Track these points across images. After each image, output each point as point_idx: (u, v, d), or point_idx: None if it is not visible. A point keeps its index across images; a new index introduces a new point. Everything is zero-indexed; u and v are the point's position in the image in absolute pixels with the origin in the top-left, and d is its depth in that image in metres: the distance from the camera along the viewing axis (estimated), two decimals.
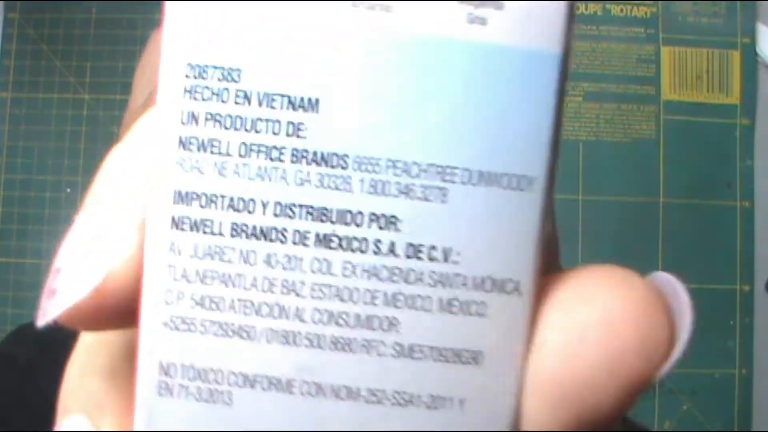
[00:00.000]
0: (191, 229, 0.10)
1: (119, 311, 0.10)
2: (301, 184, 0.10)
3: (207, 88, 0.10)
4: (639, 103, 0.52)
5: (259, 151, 0.10)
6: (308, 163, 0.09)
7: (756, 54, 0.52)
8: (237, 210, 0.10)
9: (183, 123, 0.10)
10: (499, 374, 0.10)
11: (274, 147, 0.10)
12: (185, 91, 0.10)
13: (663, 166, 0.51)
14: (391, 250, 0.10)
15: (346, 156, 0.09)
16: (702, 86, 0.52)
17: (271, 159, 0.10)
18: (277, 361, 0.10)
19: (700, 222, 0.51)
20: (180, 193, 0.10)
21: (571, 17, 0.10)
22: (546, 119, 0.10)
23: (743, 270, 0.51)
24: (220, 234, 0.10)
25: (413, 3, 0.09)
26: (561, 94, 0.10)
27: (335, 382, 0.10)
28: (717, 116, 0.51)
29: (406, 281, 0.10)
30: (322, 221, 0.10)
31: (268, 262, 0.10)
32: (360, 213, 0.10)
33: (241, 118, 0.10)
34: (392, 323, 0.10)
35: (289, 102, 0.09)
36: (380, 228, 0.10)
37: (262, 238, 0.10)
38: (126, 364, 0.11)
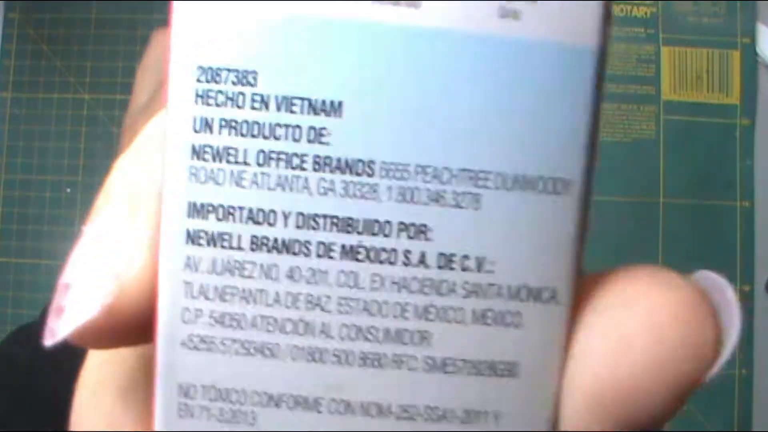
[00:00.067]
0: (208, 243, 0.09)
1: (132, 329, 0.10)
2: (325, 193, 0.09)
3: (220, 92, 0.09)
4: (639, 103, 0.52)
5: (278, 159, 0.09)
6: (332, 171, 0.09)
7: (756, 54, 0.52)
8: (257, 222, 0.09)
9: (196, 131, 0.09)
10: (535, 386, 0.09)
11: (295, 154, 0.09)
12: (197, 96, 0.09)
13: (663, 166, 0.51)
14: (422, 261, 0.09)
15: (372, 162, 0.09)
16: (702, 86, 0.51)
17: (292, 167, 0.09)
18: (303, 379, 0.09)
19: (700, 222, 0.51)
20: (195, 205, 0.09)
21: (609, 10, 0.09)
22: (583, 118, 0.09)
23: (743, 270, 0.51)
24: (240, 248, 0.09)
25: None
26: (598, 91, 0.09)
27: (365, 399, 0.09)
28: (717, 116, 0.51)
29: (438, 293, 0.09)
30: (347, 232, 0.09)
31: (291, 277, 0.09)
32: (388, 222, 0.09)
33: (258, 125, 0.09)
34: (424, 337, 0.09)
35: (310, 106, 0.09)
36: (410, 238, 0.09)
37: (285, 252, 0.09)
38: (141, 380, 0.11)
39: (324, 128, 0.09)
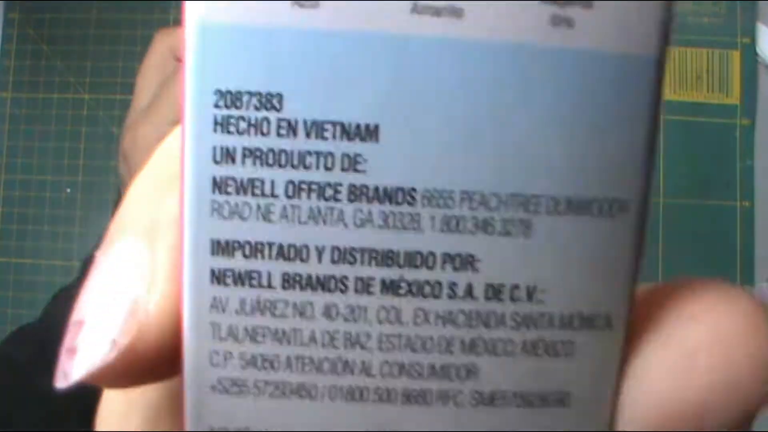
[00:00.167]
0: (235, 282, 0.09)
1: (153, 369, 0.09)
2: (362, 225, 0.08)
3: (242, 118, 0.08)
4: None
5: (310, 190, 0.08)
6: (369, 201, 0.08)
7: (756, 54, 0.52)
8: (288, 259, 0.08)
9: (216, 161, 0.08)
10: (588, 413, 0.09)
11: (328, 184, 0.08)
12: (216, 123, 0.08)
13: (663, 166, 0.51)
14: (469, 293, 0.09)
15: (414, 190, 0.08)
16: (702, 86, 0.51)
17: (325, 198, 0.08)
18: (343, 420, 0.09)
19: (700, 222, 0.51)
20: (219, 242, 0.08)
21: (670, 13, 0.08)
22: (642, 133, 0.08)
23: (743, 270, 0.51)
24: (270, 286, 0.09)
25: (488, 4, 0.08)
26: (658, 102, 0.09)
27: None
28: (717, 116, 0.51)
29: (486, 326, 0.09)
30: (388, 266, 0.08)
31: (327, 315, 0.09)
32: (431, 254, 0.08)
33: (286, 153, 0.08)
34: (471, 371, 0.09)
35: (344, 130, 0.08)
36: (455, 269, 0.08)
37: (320, 289, 0.09)
38: (167, 414, 0.10)
39: (359, 155, 0.08)
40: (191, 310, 0.09)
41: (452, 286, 0.09)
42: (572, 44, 0.08)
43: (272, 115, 0.08)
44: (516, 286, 0.09)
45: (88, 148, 0.51)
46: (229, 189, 0.08)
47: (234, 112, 0.08)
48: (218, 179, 0.08)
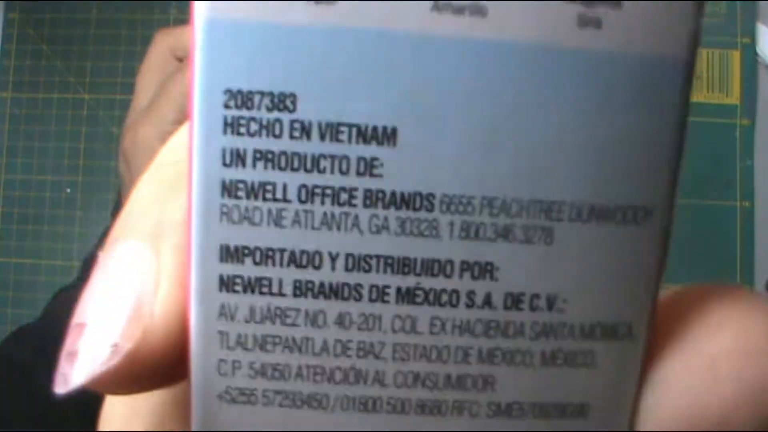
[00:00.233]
0: (245, 290, 0.08)
1: (157, 375, 0.09)
2: (377, 231, 0.08)
3: (253, 119, 0.08)
4: None
5: (323, 195, 0.08)
6: (385, 207, 0.08)
7: (756, 54, 0.52)
8: (300, 265, 0.08)
9: (226, 164, 0.08)
10: (608, 423, 0.09)
11: (343, 189, 0.08)
12: (226, 124, 0.08)
13: None
14: (487, 302, 0.08)
15: (432, 196, 0.08)
16: (702, 86, 0.51)
17: (340, 203, 0.08)
18: (355, 430, 0.09)
19: (700, 222, 0.51)
20: (228, 248, 0.08)
21: (700, 13, 0.08)
22: (668, 138, 0.08)
23: (743, 270, 0.51)
24: (281, 294, 0.08)
25: (512, 3, 0.08)
26: (686, 107, 0.08)
27: None
28: (717, 116, 0.51)
29: (504, 335, 0.08)
30: (404, 273, 0.08)
31: (340, 324, 0.08)
32: (450, 262, 0.08)
33: (299, 156, 0.08)
34: (487, 381, 0.08)
35: (359, 133, 0.08)
36: (474, 278, 0.08)
37: (333, 297, 0.08)
38: (172, 421, 0.10)
39: (376, 158, 0.08)
40: (198, 317, 0.08)
41: (470, 294, 0.08)
42: (600, 46, 0.08)
43: (285, 117, 0.08)
44: (536, 296, 0.08)
45: (88, 148, 0.51)
46: (239, 193, 0.08)
47: (245, 112, 0.08)
48: (228, 183, 0.08)
